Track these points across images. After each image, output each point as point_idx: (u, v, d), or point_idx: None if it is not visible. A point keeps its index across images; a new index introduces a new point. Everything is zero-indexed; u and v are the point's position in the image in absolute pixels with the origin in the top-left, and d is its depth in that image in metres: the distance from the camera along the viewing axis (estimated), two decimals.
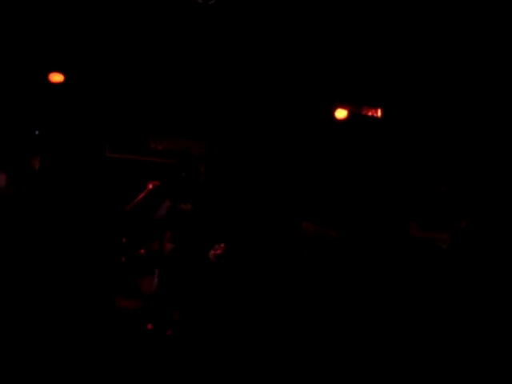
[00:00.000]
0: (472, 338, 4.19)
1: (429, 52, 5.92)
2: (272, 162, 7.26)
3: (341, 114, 6.88)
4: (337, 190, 7.02)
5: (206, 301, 5.08)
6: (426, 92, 6.54)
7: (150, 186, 5.43)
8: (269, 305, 5.16)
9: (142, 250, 5.16)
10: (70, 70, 5.94)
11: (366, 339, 4.65)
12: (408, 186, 6.31)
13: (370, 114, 6.88)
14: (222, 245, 5.33)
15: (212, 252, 5.31)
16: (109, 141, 6.64)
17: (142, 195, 5.37)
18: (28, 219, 5.82)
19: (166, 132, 6.99)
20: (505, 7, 5.20)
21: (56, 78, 5.92)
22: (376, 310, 5.14)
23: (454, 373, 3.95)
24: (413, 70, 6.26)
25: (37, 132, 5.34)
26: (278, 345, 4.58)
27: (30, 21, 5.43)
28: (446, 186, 4.85)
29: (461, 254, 4.62)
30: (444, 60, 6.01)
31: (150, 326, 4.67)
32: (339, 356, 4.46)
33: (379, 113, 6.87)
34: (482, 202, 4.74)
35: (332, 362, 4.41)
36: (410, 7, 5.43)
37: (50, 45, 5.72)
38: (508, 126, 6.16)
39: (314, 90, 6.81)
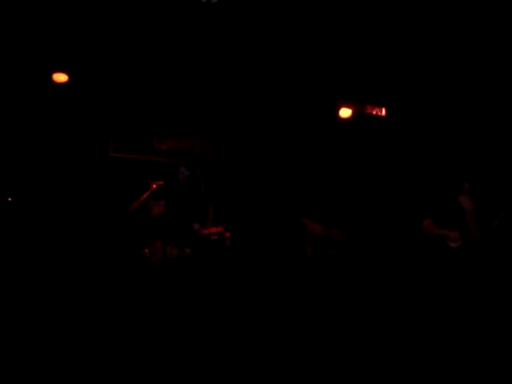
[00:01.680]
0: (475, 339, 4.15)
1: (432, 48, 5.88)
2: (276, 161, 7.25)
3: (345, 113, 6.86)
4: (344, 191, 7.01)
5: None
6: (434, 86, 6.49)
7: (154, 186, 5.44)
8: (270, 302, 5.18)
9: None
10: (74, 70, 5.95)
11: (371, 336, 4.64)
12: (419, 184, 6.28)
13: (374, 112, 6.85)
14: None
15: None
16: (113, 140, 6.65)
17: (145, 195, 5.37)
18: (32, 219, 5.88)
19: (169, 132, 6.99)
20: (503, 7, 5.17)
21: (60, 77, 5.93)
22: (381, 309, 5.12)
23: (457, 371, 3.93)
24: (416, 66, 6.22)
25: None
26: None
27: (35, 21, 5.44)
28: (469, 182, 4.79)
29: (471, 257, 4.58)
30: (448, 55, 5.97)
31: None
32: (340, 350, 4.46)
33: (383, 111, 6.83)
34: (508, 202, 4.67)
35: (332, 357, 4.41)
36: (412, 8, 5.39)
37: (55, 45, 5.73)
38: None
39: (318, 90, 6.79)
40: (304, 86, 6.70)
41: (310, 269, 5.55)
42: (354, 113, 6.82)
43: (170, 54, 6.06)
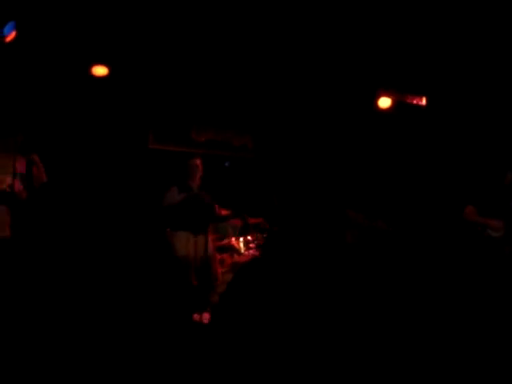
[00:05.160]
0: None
1: (473, 35, 5.72)
2: (315, 153, 7.21)
3: (384, 102, 6.74)
4: (385, 181, 6.94)
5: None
6: (476, 72, 6.32)
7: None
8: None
9: None
10: (113, 62, 6.00)
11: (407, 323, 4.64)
12: (462, 174, 6.19)
13: (414, 102, 6.70)
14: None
15: None
16: (152, 132, 6.72)
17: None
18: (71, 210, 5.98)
19: (208, 123, 7.02)
20: None
21: (100, 71, 5.99)
22: (418, 296, 5.11)
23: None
24: (457, 53, 6.07)
25: None
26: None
27: (74, 15, 5.50)
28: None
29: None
30: (490, 43, 5.81)
31: None
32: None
33: (424, 101, 6.68)
34: None
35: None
36: None
37: (95, 38, 5.78)
38: None
39: (357, 80, 6.69)
40: (342, 76, 6.61)
41: (348, 253, 5.62)
42: (393, 102, 6.69)
43: (209, 46, 6.06)
